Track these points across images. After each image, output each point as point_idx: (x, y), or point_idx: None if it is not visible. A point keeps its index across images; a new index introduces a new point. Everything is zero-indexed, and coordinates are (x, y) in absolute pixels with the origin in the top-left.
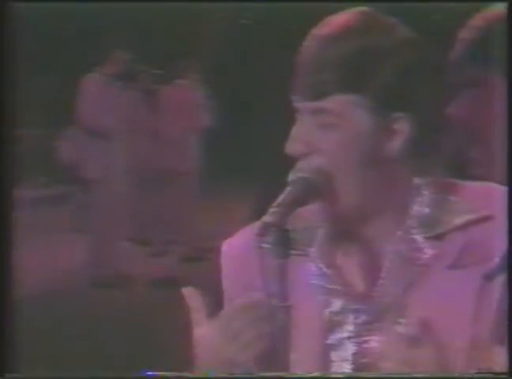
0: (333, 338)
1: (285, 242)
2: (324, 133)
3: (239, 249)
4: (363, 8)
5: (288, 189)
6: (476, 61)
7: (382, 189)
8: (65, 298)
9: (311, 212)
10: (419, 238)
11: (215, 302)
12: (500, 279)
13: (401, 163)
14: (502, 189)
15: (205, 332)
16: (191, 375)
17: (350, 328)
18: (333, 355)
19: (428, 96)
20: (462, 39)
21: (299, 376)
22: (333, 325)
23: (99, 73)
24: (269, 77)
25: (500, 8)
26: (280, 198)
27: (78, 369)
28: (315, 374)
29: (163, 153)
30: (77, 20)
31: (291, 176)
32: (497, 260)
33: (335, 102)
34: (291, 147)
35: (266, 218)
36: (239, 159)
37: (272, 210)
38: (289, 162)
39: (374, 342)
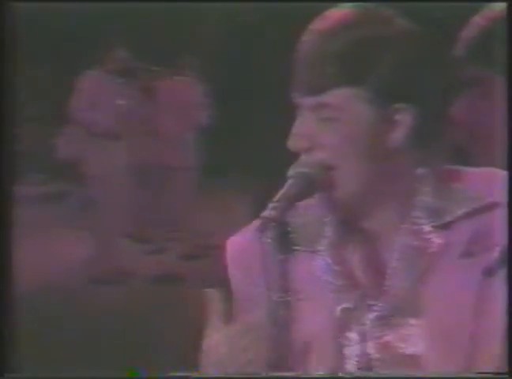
0: (344, 335)
1: (286, 237)
2: (325, 127)
3: (242, 246)
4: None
5: (288, 184)
6: (476, 60)
7: (386, 181)
8: (65, 295)
9: (317, 207)
10: (426, 227)
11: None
12: (502, 273)
13: (404, 153)
14: (505, 174)
15: (217, 338)
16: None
17: (362, 324)
18: (346, 352)
19: (429, 86)
20: (463, 39)
21: (299, 376)
22: (345, 322)
23: (98, 70)
24: (268, 75)
25: (500, 7)
26: (280, 193)
27: (78, 367)
28: (316, 374)
29: (162, 150)
30: (77, 18)
31: (291, 171)
32: (497, 253)
33: (335, 96)
34: (294, 143)
35: (266, 213)
36: (238, 157)
37: (271, 205)
38: (289, 157)
39: (387, 337)
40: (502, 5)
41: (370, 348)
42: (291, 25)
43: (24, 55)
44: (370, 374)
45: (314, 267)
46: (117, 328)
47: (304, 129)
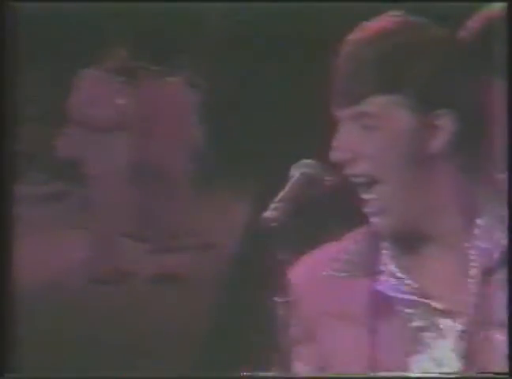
0: (422, 353)
1: (287, 238)
2: (366, 137)
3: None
4: (395, 12)
5: (290, 184)
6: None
7: (438, 188)
8: (65, 295)
9: (372, 231)
10: (497, 233)
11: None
12: (500, 275)
13: (448, 159)
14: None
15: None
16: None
17: (443, 341)
18: (427, 371)
19: (467, 90)
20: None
21: (301, 376)
22: (419, 340)
23: (97, 68)
24: (268, 74)
25: (500, 7)
26: (282, 194)
27: (78, 367)
28: (317, 375)
29: (161, 149)
30: (77, 18)
31: (293, 171)
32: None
33: (374, 104)
34: (336, 155)
35: (267, 213)
36: (238, 156)
37: (273, 205)
38: (289, 158)
39: (474, 352)
40: (502, 5)
41: (457, 365)
42: (292, 24)
43: (24, 55)
44: (370, 374)
45: (380, 288)
46: (117, 327)
47: (345, 141)
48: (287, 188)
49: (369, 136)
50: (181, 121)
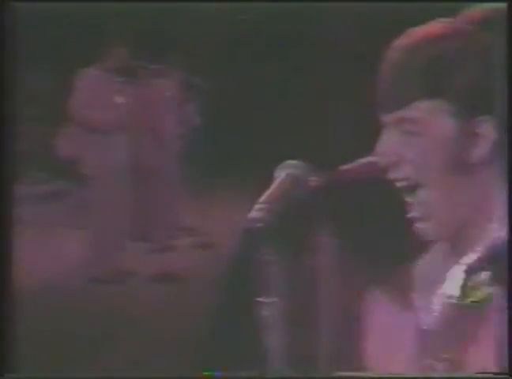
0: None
1: (272, 239)
2: (409, 142)
3: None
4: (441, 19)
5: (274, 184)
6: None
7: (478, 197)
8: (65, 295)
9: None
10: None
11: None
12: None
13: (490, 167)
14: None
15: None
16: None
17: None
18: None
19: (509, 97)
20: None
21: (308, 376)
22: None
23: (97, 68)
24: (268, 74)
25: (499, 7)
26: (266, 194)
27: (77, 367)
28: (321, 375)
29: (161, 149)
30: (77, 18)
31: (278, 172)
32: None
33: (418, 109)
34: (380, 160)
35: (252, 214)
36: (237, 156)
37: (257, 206)
38: (288, 158)
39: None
40: (502, 5)
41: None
42: (292, 24)
43: (24, 55)
44: (371, 374)
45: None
46: (117, 327)
47: (389, 145)
48: (272, 188)
49: (411, 141)
50: (181, 121)
